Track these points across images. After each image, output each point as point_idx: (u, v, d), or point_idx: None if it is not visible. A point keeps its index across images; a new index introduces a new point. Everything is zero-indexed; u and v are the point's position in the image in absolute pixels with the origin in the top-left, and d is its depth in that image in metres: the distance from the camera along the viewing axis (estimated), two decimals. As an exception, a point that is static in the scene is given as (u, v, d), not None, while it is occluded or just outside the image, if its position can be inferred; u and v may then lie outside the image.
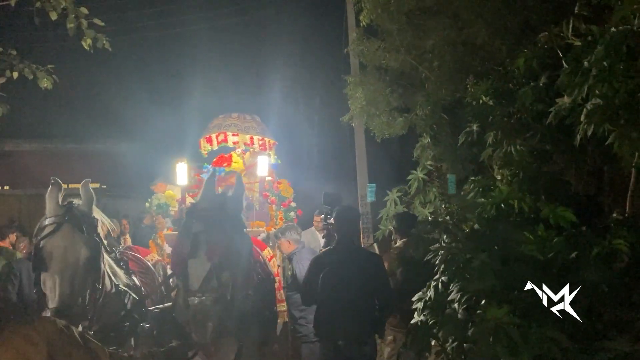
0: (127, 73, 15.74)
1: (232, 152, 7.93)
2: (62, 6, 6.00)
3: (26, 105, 12.76)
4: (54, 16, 6.04)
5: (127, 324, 3.31)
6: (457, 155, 5.09)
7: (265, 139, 7.98)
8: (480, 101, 4.60)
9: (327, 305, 3.87)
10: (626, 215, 3.30)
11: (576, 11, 3.00)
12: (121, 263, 3.68)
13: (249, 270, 3.40)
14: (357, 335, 3.80)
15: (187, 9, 14.99)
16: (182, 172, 6.53)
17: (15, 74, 6.08)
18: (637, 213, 3.33)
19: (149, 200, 7.18)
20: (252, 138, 7.86)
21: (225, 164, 7.99)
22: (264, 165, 6.80)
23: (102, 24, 6.25)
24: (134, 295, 3.45)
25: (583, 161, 5.22)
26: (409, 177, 5.39)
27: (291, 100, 15.26)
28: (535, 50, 3.48)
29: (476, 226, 2.98)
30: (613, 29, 2.48)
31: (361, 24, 7.75)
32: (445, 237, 2.88)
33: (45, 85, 6.17)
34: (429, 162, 5.28)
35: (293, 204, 7.49)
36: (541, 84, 3.46)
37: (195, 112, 12.29)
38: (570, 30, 2.97)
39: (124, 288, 3.45)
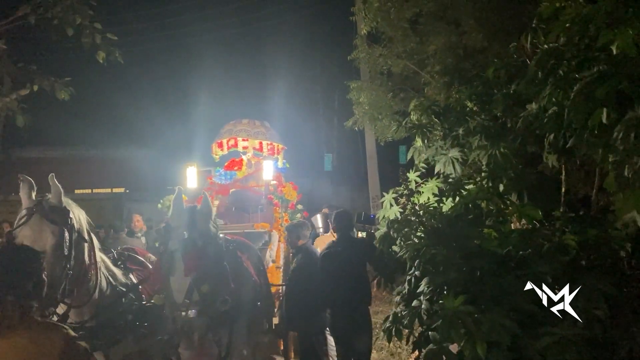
0: (145, 83, 16.24)
1: (242, 157, 8.24)
2: (77, 22, 6.41)
3: (51, 114, 13.31)
4: (70, 32, 6.45)
5: (123, 321, 3.48)
6: (448, 157, 5.31)
7: (274, 143, 8.23)
8: (467, 107, 4.83)
9: (328, 279, 4.95)
10: (591, 212, 3.50)
11: (534, 24, 3.22)
12: (119, 262, 3.89)
13: (225, 277, 3.55)
14: (349, 302, 4.82)
15: (203, 19, 15.41)
16: (192, 175, 6.81)
17: (36, 87, 6.50)
18: (601, 209, 3.53)
19: (161, 201, 7.43)
20: (261, 143, 8.09)
21: (236, 168, 8.30)
22: (269, 169, 7.03)
23: (115, 38, 6.64)
24: (131, 295, 3.65)
25: (572, 161, 5.40)
26: (404, 178, 5.60)
27: (303, 106, 15.55)
28: (504, 60, 3.70)
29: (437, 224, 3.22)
30: (545, 46, 2.72)
31: (362, 32, 8.03)
32: (411, 234, 3.14)
33: (63, 96, 6.58)
34: (422, 165, 5.49)
35: (299, 206, 7.74)
36: (512, 92, 3.68)
37: (210, 119, 12.63)
38: (528, 42, 3.20)
39: (121, 288, 3.65)
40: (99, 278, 3.45)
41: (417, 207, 3.63)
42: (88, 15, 6.34)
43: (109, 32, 6.70)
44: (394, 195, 5.80)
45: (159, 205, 7.47)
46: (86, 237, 3.36)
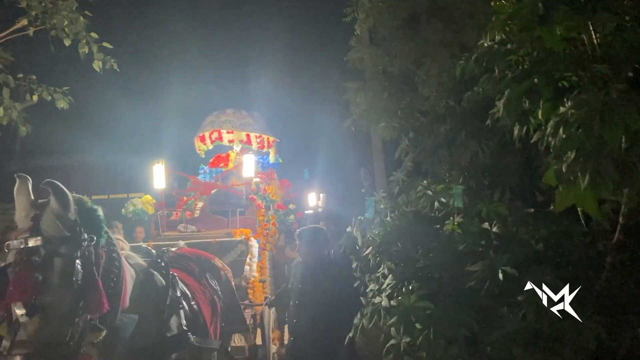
0: (154, 89, 16.33)
1: (229, 152, 7.53)
2: (75, 33, 6.57)
3: (61, 122, 13.55)
4: (67, 42, 6.61)
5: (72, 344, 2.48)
6: (435, 157, 5.34)
7: (264, 136, 7.49)
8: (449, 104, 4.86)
9: None
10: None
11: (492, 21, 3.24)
12: None
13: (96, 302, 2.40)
14: None
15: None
16: (159, 174, 5.95)
17: (35, 97, 6.66)
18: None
19: (125, 205, 6.79)
20: (248, 135, 7.40)
21: (222, 164, 7.54)
22: (250, 165, 6.30)
23: (111, 47, 6.78)
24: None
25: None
26: (391, 178, 5.66)
27: (303, 98, 15.30)
28: (472, 59, 3.72)
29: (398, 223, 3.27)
30: (485, 44, 2.75)
31: (357, 32, 8.01)
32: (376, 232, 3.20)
33: (62, 105, 6.73)
34: (409, 164, 5.53)
35: (292, 206, 7.07)
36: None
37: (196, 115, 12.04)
38: (488, 39, 3.22)
39: None
40: None
41: (382, 206, 3.68)
42: (84, 25, 6.49)
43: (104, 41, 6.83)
44: (384, 194, 5.86)
45: (123, 211, 6.94)
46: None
